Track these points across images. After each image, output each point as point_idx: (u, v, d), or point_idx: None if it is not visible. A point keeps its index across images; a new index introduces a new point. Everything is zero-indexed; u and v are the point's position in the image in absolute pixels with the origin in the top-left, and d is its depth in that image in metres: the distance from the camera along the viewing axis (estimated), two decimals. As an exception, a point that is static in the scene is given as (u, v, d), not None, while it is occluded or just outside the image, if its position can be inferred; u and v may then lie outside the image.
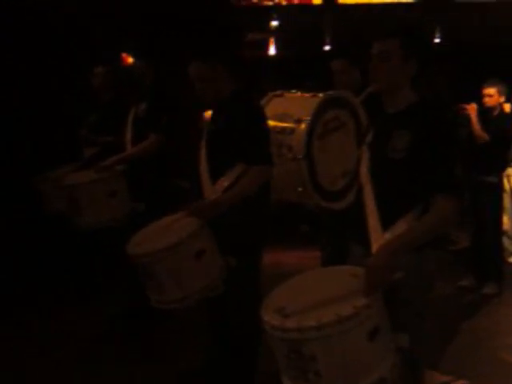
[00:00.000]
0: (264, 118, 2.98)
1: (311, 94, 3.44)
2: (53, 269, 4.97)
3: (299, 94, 3.57)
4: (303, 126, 3.21)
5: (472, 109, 4.96)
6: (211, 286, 2.72)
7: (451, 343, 3.97)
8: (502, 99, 5.00)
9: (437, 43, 8.34)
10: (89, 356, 3.83)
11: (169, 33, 6.41)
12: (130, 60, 6.47)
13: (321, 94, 3.36)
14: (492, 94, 4.92)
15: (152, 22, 6.31)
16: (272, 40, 8.48)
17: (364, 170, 2.37)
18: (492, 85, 4.93)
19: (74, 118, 4.90)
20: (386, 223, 2.23)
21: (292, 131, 3.24)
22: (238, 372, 2.98)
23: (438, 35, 8.31)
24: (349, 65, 3.71)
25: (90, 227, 3.82)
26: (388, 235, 2.19)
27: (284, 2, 8.86)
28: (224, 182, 2.85)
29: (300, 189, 3.21)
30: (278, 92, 3.56)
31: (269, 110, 3.22)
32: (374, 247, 2.17)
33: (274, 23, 8.30)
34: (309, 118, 3.21)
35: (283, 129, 3.24)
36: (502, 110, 5.08)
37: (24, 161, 5.22)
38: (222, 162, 2.90)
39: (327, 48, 8.64)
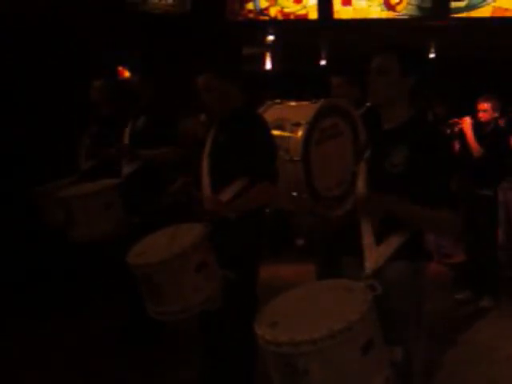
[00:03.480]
0: (270, 134, 2.99)
1: (311, 101, 3.47)
2: (49, 279, 4.97)
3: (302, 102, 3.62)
4: (301, 129, 3.24)
5: (466, 123, 4.99)
6: (211, 298, 2.71)
7: (447, 356, 3.96)
8: (497, 114, 5.04)
9: (432, 59, 8.40)
10: (85, 366, 3.85)
11: (167, 48, 6.45)
12: (127, 74, 6.51)
13: (321, 100, 3.39)
14: (486, 108, 4.96)
15: (151, 37, 6.35)
16: (268, 55, 8.52)
17: (361, 184, 2.39)
18: (486, 100, 4.97)
19: (73, 131, 4.92)
20: (381, 237, 2.25)
21: (290, 135, 3.26)
22: None
23: (432, 50, 8.38)
24: (346, 82, 3.76)
25: (85, 239, 3.82)
26: (381, 248, 2.21)
27: (280, 17, 8.92)
28: (226, 195, 2.86)
29: (294, 193, 3.22)
30: (277, 100, 3.60)
31: (267, 117, 3.25)
32: (368, 263, 2.19)
33: (270, 38, 8.35)
34: (307, 122, 3.24)
35: (281, 134, 3.27)
36: (496, 124, 5.11)
37: (23, 173, 5.23)
38: (225, 174, 2.91)
39: (323, 63, 8.69)
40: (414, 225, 2.27)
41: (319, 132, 3.31)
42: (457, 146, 5.14)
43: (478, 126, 5.01)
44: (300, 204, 3.28)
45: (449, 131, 5.11)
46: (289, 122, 3.29)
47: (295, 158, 3.17)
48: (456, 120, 5.08)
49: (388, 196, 2.23)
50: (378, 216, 2.23)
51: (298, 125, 3.25)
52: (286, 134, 3.27)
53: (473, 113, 5.09)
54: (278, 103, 3.57)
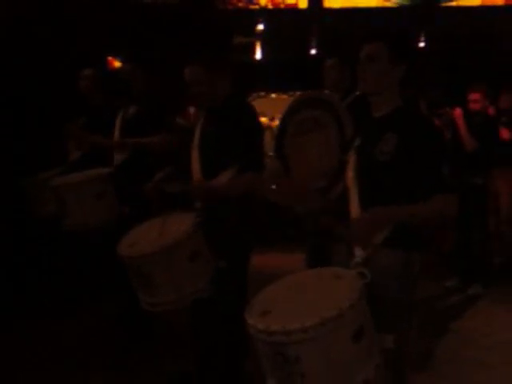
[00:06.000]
0: (259, 125, 2.99)
1: (289, 94, 3.48)
2: (39, 273, 4.95)
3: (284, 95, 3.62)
4: (275, 123, 3.24)
5: (458, 114, 5.00)
6: (204, 288, 2.72)
7: (436, 344, 4.00)
8: (487, 103, 5.07)
9: (422, 47, 8.41)
10: (85, 365, 3.82)
11: (158, 37, 6.42)
12: (117, 64, 6.48)
13: (297, 93, 3.40)
14: (477, 99, 4.98)
15: (141, 26, 6.31)
16: (258, 44, 8.50)
17: (350, 173, 2.40)
18: (477, 90, 4.98)
19: (61, 122, 4.88)
20: None
21: (265, 128, 3.27)
22: (225, 375, 2.98)
23: (422, 39, 8.39)
24: (338, 63, 3.83)
25: (77, 229, 3.80)
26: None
27: (270, 6, 8.90)
28: (216, 184, 2.85)
29: (273, 187, 3.22)
30: (262, 93, 3.60)
31: None
32: (357, 250, 2.20)
33: (260, 27, 8.33)
34: (280, 117, 3.24)
35: None
36: (486, 113, 5.14)
37: (11, 164, 5.20)
38: (215, 164, 2.90)
39: (313, 52, 8.68)
40: (414, 223, 2.27)
41: (295, 125, 3.31)
42: (447, 135, 5.15)
43: (468, 115, 5.02)
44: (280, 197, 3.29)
45: (438, 121, 5.12)
46: (267, 116, 3.30)
47: (269, 153, 3.17)
48: (446, 110, 5.09)
49: (377, 212, 2.20)
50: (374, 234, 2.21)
51: (272, 119, 3.26)
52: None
53: (463, 102, 5.10)
54: (262, 96, 3.58)
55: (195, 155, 3.00)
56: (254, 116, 2.99)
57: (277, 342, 1.86)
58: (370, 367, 1.95)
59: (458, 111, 5.01)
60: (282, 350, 1.86)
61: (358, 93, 3.57)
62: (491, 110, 5.48)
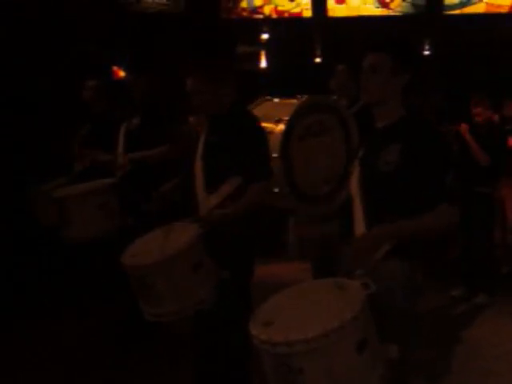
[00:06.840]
0: (263, 132, 2.98)
1: (298, 98, 3.47)
2: (39, 273, 4.96)
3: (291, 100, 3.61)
4: (281, 125, 3.23)
5: (464, 130, 4.99)
6: (206, 298, 2.71)
7: (443, 353, 3.97)
8: (491, 113, 5.07)
9: (426, 56, 8.41)
10: (84, 365, 3.84)
11: (162, 47, 6.45)
12: (122, 74, 6.50)
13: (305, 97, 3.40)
14: (480, 112, 4.98)
15: (145, 37, 6.34)
16: (263, 53, 8.52)
17: (354, 183, 2.39)
18: (479, 103, 4.98)
19: (67, 131, 4.90)
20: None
21: (271, 131, 3.25)
22: (225, 375, 2.96)
23: (426, 48, 8.38)
24: (349, 69, 3.94)
25: (79, 240, 3.81)
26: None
27: (274, 15, 8.93)
28: (220, 195, 2.84)
29: (276, 190, 3.21)
30: (268, 97, 3.60)
31: (256, 113, 3.21)
32: (360, 265, 2.18)
33: (265, 36, 8.36)
34: (288, 119, 3.22)
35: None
36: (491, 124, 5.13)
37: (11, 163, 5.21)
38: (218, 175, 2.89)
39: (318, 60, 8.70)
40: (418, 236, 2.25)
41: (303, 128, 3.28)
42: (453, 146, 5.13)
43: (473, 128, 5.02)
44: (283, 200, 3.28)
45: (445, 131, 5.10)
46: (272, 118, 3.29)
47: (273, 155, 3.15)
48: (451, 126, 5.08)
49: (380, 231, 2.18)
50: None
51: (279, 121, 3.24)
52: (267, 128, 3.25)
53: (464, 107, 5.11)
54: (268, 99, 3.57)
55: (198, 165, 2.99)
56: (257, 124, 2.99)
57: (280, 353, 1.84)
58: (374, 378, 1.93)
59: (464, 127, 5.01)
60: (285, 361, 1.85)
61: (362, 102, 3.58)
62: (495, 118, 5.46)
